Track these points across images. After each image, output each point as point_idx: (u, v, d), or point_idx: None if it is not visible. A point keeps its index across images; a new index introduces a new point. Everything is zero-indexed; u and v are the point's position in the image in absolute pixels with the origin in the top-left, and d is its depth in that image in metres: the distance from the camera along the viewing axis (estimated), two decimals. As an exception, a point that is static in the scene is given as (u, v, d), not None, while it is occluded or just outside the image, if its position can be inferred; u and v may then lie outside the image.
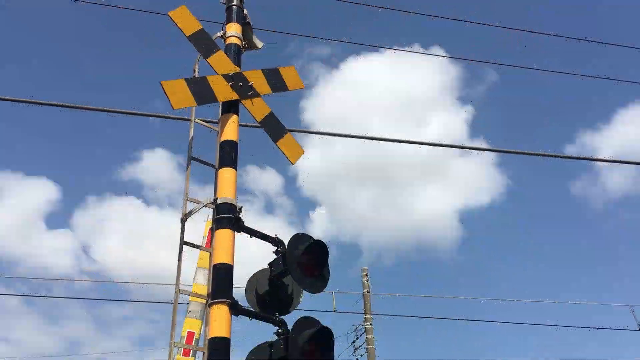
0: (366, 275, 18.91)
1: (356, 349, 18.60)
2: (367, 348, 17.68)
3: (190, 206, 5.17)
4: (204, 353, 4.54)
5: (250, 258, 4.85)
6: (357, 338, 18.57)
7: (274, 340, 4.90)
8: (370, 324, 17.94)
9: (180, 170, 51.98)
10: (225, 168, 5.18)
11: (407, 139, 8.90)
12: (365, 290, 18.46)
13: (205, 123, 5.72)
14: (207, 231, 7.46)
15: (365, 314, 17.97)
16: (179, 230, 5.08)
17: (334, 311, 13.19)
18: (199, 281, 7.01)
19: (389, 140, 8.62)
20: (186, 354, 6.30)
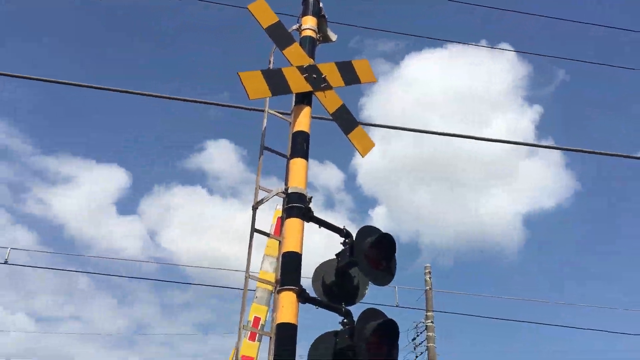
0: (429, 272, 18.76)
1: (416, 346, 18.51)
2: (427, 346, 17.56)
3: (261, 195, 5.30)
4: (271, 338, 4.66)
5: (309, 249, 4.91)
6: (418, 335, 18.48)
7: (339, 330, 4.97)
8: (432, 322, 17.80)
9: (243, 161, 52.91)
10: (297, 158, 5.28)
11: (475, 135, 8.76)
12: (427, 287, 18.33)
13: (278, 114, 5.84)
14: (276, 220, 7.60)
15: (427, 311, 17.83)
16: (250, 218, 5.23)
17: (397, 306, 13.16)
18: (266, 269, 7.16)
19: (457, 136, 8.51)
20: (252, 338, 6.46)
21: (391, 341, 4.74)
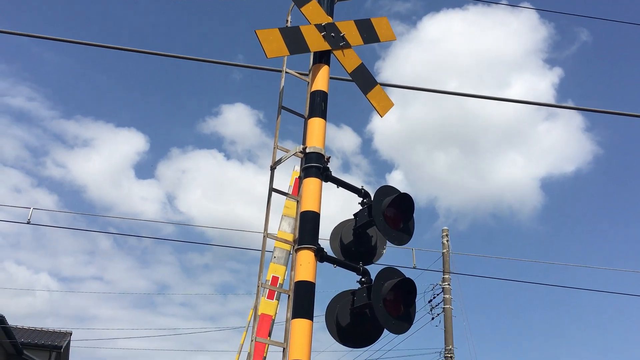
0: (446, 235, 18.79)
1: (432, 307, 18.65)
2: (443, 307, 17.70)
3: (279, 155, 5.30)
4: (289, 295, 4.72)
5: (323, 215, 4.91)
6: (434, 297, 18.61)
7: (356, 289, 5.01)
8: (449, 284, 17.91)
9: (259, 125, 52.83)
10: (315, 118, 5.25)
11: (494, 96, 8.62)
12: (445, 250, 18.38)
13: (296, 73, 5.79)
14: (293, 181, 7.61)
15: (444, 273, 17.92)
16: (268, 179, 5.25)
17: (414, 267, 13.23)
18: (284, 229, 7.21)
19: (474, 97, 8.39)
20: (271, 296, 6.55)
21: (408, 300, 4.77)
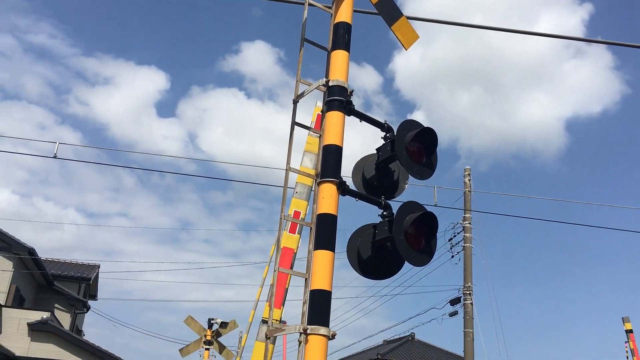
0: (468, 174, 18.71)
1: (452, 246, 18.79)
2: (464, 246, 17.82)
3: (301, 88, 5.25)
4: (311, 228, 4.77)
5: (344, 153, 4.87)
6: (454, 236, 18.71)
7: (378, 222, 5.05)
8: (469, 223, 17.96)
9: (280, 64, 52.20)
10: (338, 50, 5.15)
11: (518, 29, 8.35)
12: (466, 189, 18.34)
13: (320, 5, 5.65)
14: (315, 117, 7.57)
15: (465, 212, 17.95)
16: (289, 117, 5.21)
17: (435, 205, 13.24)
18: (306, 164, 7.22)
19: (500, 30, 8.14)
20: (293, 230, 6.64)
21: (429, 233, 4.80)
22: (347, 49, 5.20)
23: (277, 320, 6.79)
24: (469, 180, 18.53)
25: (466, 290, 17.30)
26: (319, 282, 4.39)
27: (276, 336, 5.94)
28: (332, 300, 4.43)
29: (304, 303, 4.53)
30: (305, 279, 4.70)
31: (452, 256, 18.26)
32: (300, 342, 4.32)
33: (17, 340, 21.76)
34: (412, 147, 5.01)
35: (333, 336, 4.28)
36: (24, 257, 22.74)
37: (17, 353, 21.42)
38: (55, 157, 10.05)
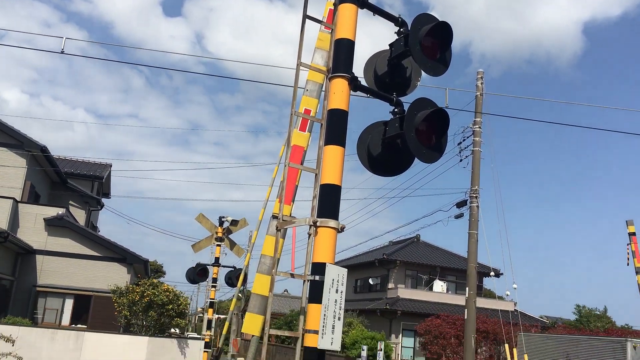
0: (481, 78, 18.38)
1: (461, 150, 18.79)
2: (472, 150, 17.81)
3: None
4: (322, 124, 4.76)
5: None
6: (464, 140, 18.67)
7: (388, 119, 5.02)
8: (479, 127, 17.85)
9: (296, -42, 50.06)
10: (352, -62, 4.91)
11: None
12: (478, 92, 18.09)
13: None
14: (327, 12, 7.34)
15: (475, 115, 17.80)
16: (299, 18, 5.06)
17: (446, 107, 13.10)
18: (317, 61, 7.09)
19: None
20: (303, 128, 6.62)
21: (440, 131, 4.77)
22: (362, -63, 4.95)
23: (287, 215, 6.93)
24: (482, 83, 18.22)
25: (473, 193, 17.49)
26: (329, 177, 4.43)
27: (286, 229, 6.09)
28: (340, 200, 4.48)
29: (313, 198, 4.60)
30: (315, 175, 4.75)
31: (461, 160, 18.31)
32: (309, 235, 4.43)
33: (35, 235, 22.51)
34: (426, 42, 4.87)
35: (342, 229, 4.39)
36: (36, 154, 23.02)
37: (35, 246, 22.24)
38: (62, 52, 9.90)
